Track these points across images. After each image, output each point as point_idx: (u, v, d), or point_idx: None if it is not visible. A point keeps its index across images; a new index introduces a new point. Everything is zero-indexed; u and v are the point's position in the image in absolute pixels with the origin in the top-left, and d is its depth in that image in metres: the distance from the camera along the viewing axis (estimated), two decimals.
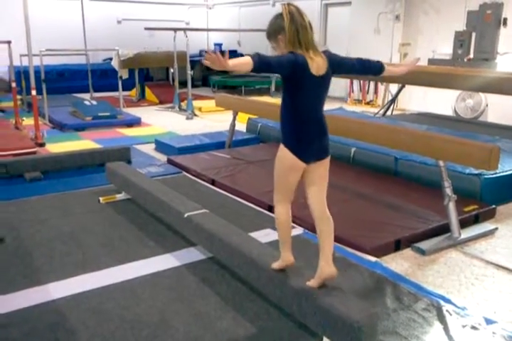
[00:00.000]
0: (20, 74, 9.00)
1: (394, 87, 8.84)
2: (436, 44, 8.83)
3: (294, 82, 2.18)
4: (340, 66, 2.30)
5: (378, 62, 2.44)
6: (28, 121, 7.28)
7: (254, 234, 3.27)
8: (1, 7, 11.26)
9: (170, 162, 5.48)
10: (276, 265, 2.47)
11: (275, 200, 2.39)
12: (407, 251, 3.33)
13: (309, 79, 2.16)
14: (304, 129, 2.24)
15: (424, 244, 3.35)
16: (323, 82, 2.22)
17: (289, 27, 2.14)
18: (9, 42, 7.92)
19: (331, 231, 2.37)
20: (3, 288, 2.72)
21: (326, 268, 2.33)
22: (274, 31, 2.21)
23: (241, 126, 6.82)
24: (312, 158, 2.27)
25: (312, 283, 2.32)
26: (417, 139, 3.70)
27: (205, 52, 1.95)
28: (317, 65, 2.17)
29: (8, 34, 9.06)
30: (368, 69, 2.43)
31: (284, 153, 2.27)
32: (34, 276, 2.87)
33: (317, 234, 2.38)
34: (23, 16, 6.07)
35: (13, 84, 7.56)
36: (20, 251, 3.20)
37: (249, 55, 2.01)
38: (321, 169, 2.33)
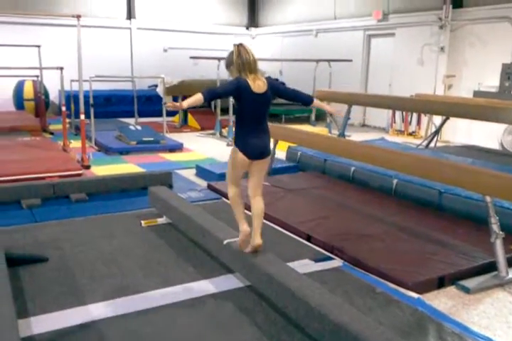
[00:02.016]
0: (70, 98, 9.37)
1: (438, 119, 8.73)
2: (483, 76, 8.72)
3: (240, 98, 2.93)
4: (276, 89, 3.04)
5: (310, 96, 3.21)
6: (75, 144, 7.55)
7: (293, 264, 3.24)
8: (55, 36, 11.89)
9: (210, 187, 5.54)
10: (239, 239, 3.11)
11: (228, 186, 3.14)
12: (451, 289, 3.22)
13: (250, 95, 2.90)
14: (248, 135, 2.96)
15: (469, 282, 3.24)
16: (262, 98, 2.95)
17: (237, 61, 2.92)
18: (62, 69, 8.32)
19: (262, 210, 3.09)
20: (46, 307, 2.78)
21: (256, 239, 3.02)
22: (227, 63, 3.02)
23: (281, 154, 6.86)
24: (254, 156, 2.97)
25: (248, 249, 3.06)
26: (463, 173, 3.62)
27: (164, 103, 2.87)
28: (258, 86, 2.92)
29: (60, 61, 9.54)
30: (298, 99, 3.19)
31: (235, 153, 2.99)
32: (76, 296, 2.92)
33: (251, 211, 3.10)
34: (74, 44, 6.39)
35: (63, 108, 7.86)
36: (64, 271, 3.28)
37: (201, 92, 2.83)
38: (260, 165, 3.04)
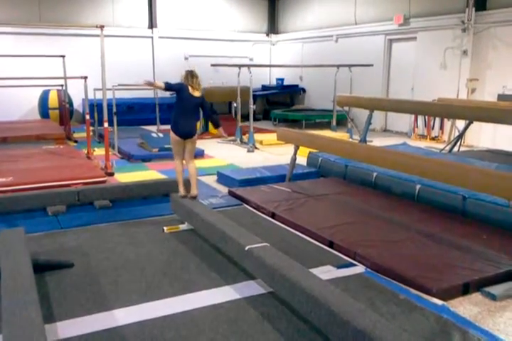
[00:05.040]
0: (94, 106, 9.52)
1: (461, 123, 8.62)
2: (507, 79, 8.59)
3: (179, 93, 4.40)
4: (202, 103, 4.51)
5: (218, 123, 4.92)
6: (98, 152, 7.67)
7: (315, 271, 3.23)
8: (79, 46, 12.12)
9: (231, 194, 5.57)
10: (179, 195, 4.51)
11: (174, 158, 4.57)
12: (476, 296, 3.16)
13: (186, 94, 4.37)
14: (180, 123, 4.38)
15: (495, 289, 3.17)
16: (194, 99, 4.40)
17: (185, 81, 4.42)
18: (85, 78, 8.47)
19: (195, 171, 4.59)
20: (71, 312, 2.83)
21: (193, 191, 4.46)
22: (181, 79, 4.45)
23: (301, 160, 6.85)
24: (183, 136, 4.40)
25: (181, 194, 4.51)
26: (488, 178, 3.57)
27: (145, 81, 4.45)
28: (194, 91, 4.39)
29: (83, 70, 9.73)
30: (210, 120, 5.28)
31: (172, 135, 4.41)
32: (101, 302, 2.97)
33: (189, 172, 4.51)
34: (98, 54, 6.50)
35: (87, 116, 7.98)
36: (89, 277, 3.33)
37: (165, 82, 4.38)
38: (190, 142, 4.48)
